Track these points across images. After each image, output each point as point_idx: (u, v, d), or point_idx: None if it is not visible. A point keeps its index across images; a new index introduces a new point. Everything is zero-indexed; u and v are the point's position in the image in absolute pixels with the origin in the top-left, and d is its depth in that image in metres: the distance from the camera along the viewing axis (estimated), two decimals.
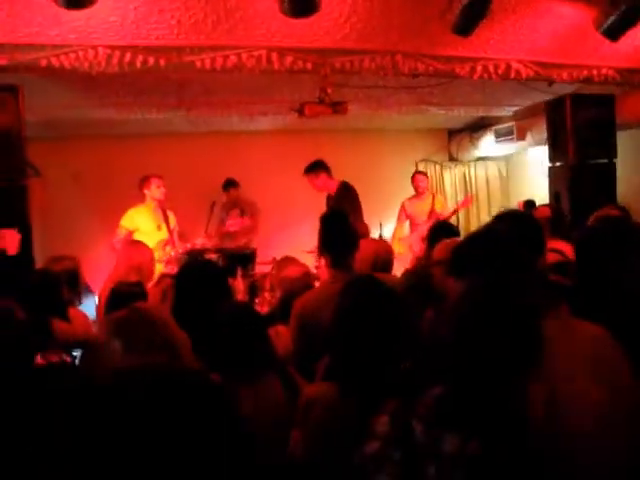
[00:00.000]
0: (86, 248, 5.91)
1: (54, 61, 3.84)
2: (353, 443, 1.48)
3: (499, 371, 1.42)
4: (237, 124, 6.96)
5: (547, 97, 5.71)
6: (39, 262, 4.36)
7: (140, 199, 5.59)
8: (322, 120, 5.22)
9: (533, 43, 4.59)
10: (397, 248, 6.21)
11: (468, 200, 7.29)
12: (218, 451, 0.90)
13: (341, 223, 3.05)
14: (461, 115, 7.54)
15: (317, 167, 5.75)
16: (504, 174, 9.04)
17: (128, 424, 0.87)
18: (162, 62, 3.94)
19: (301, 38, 4.02)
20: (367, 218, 5.91)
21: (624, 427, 1.46)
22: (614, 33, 4.22)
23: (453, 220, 6.77)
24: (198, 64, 4.03)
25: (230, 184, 6.96)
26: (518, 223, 2.23)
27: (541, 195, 6.59)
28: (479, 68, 4.68)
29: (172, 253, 5.37)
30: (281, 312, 3.22)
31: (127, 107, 5.75)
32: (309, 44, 4.11)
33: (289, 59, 4.10)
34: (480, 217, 8.25)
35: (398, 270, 3.76)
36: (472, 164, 8.87)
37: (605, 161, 5.84)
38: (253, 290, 5.85)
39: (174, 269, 5.34)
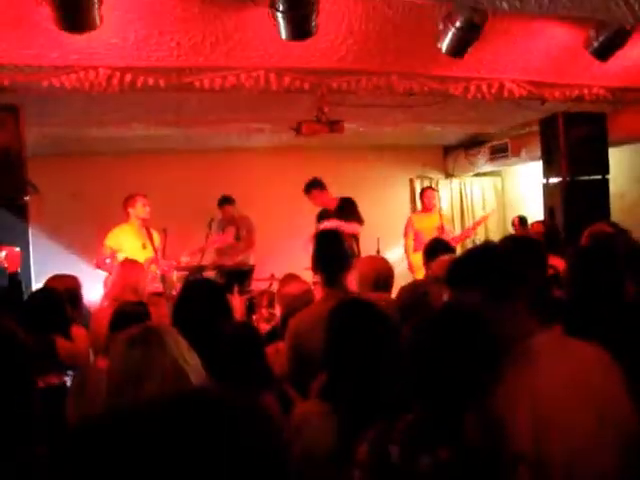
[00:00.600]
0: (83, 265, 5.93)
1: (55, 81, 3.91)
2: (338, 466, 1.52)
3: (455, 396, 1.44)
4: (234, 141, 7.03)
5: (540, 115, 5.81)
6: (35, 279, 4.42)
7: (124, 218, 5.57)
8: (319, 137, 5.29)
9: (526, 63, 4.68)
10: (415, 260, 6.29)
11: (484, 218, 7.34)
12: None
13: (335, 242, 3.05)
14: (456, 132, 7.64)
15: (321, 184, 5.86)
16: (499, 190, 9.12)
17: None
18: (162, 83, 4.01)
19: (298, 59, 4.09)
20: (363, 234, 5.97)
21: (615, 444, 1.49)
22: (603, 54, 4.30)
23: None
24: (197, 84, 4.10)
25: (225, 201, 6.92)
26: (519, 241, 2.27)
27: (536, 211, 6.67)
28: (473, 88, 4.76)
29: (158, 272, 5.38)
30: (282, 329, 3.25)
31: (125, 125, 5.81)
32: (306, 65, 4.18)
33: (287, 79, 4.18)
34: (476, 233, 8.30)
35: None
36: (467, 180, 8.96)
37: (598, 177, 5.92)
38: (250, 307, 5.89)
39: (159, 288, 5.38)
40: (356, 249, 5.50)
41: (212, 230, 6.20)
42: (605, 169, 5.91)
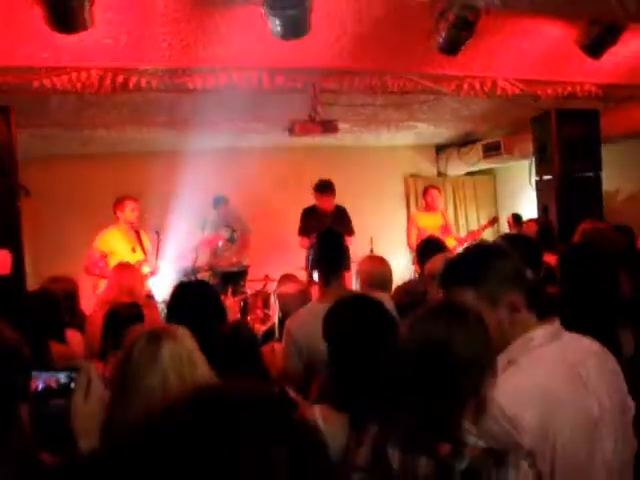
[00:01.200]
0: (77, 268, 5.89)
1: (46, 82, 3.87)
2: (342, 469, 1.51)
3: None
4: (227, 142, 7.00)
5: (533, 112, 5.82)
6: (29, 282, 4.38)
7: (113, 221, 5.52)
8: (312, 137, 5.28)
9: (518, 61, 4.69)
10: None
11: (491, 222, 7.23)
12: None
13: (336, 242, 3.08)
14: (449, 130, 7.64)
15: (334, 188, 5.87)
16: (492, 188, 9.14)
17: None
18: (154, 83, 3.99)
19: (291, 58, 4.08)
20: (357, 233, 5.97)
21: (613, 433, 1.51)
22: (596, 51, 4.32)
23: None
24: (190, 85, 4.08)
25: (219, 201, 6.96)
26: (514, 240, 2.28)
27: (530, 208, 6.68)
28: (466, 86, 4.77)
29: (148, 275, 5.37)
30: (280, 328, 3.25)
31: (118, 126, 5.78)
32: (299, 64, 4.17)
33: (280, 79, 4.17)
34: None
35: None
36: (460, 179, 8.97)
37: (591, 174, 5.94)
38: (245, 308, 5.87)
39: (150, 290, 5.37)
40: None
41: (205, 232, 6.18)
42: (598, 166, 5.93)
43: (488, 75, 4.80)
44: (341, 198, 6.05)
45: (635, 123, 5.83)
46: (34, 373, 1.61)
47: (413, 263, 6.53)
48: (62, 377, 1.62)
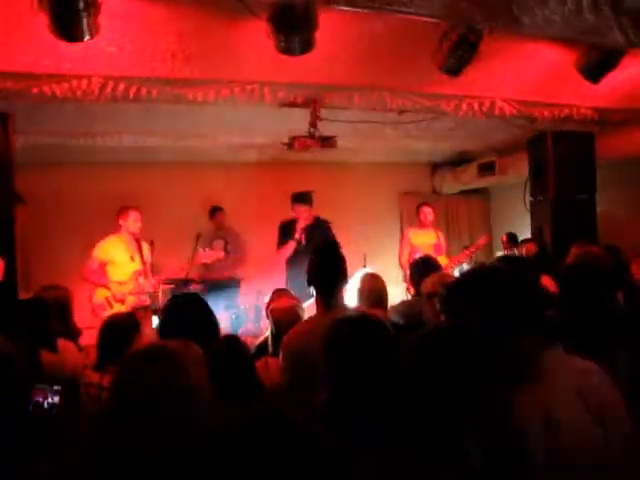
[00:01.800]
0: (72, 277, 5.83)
1: (46, 89, 3.85)
2: None
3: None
4: (225, 155, 7.00)
5: (528, 133, 5.87)
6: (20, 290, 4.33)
7: (114, 229, 5.50)
8: (308, 152, 5.28)
9: (517, 83, 4.74)
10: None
11: (485, 240, 7.12)
12: None
13: (334, 256, 3.01)
14: (444, 149, 7.69)
15: (312, 200, 5.80)
16: (487, 207, 9.19)
17: None
18: (155, 93, 3.98)
19: (293, 73, 4.09)
20: (351, 250, 5.93)
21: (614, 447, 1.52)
22: (595, 75, 4.37)
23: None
24: (190, 96, 4.07)
25: (216, 209, 7.09)
26: (513, 261, 2.29)
27: (524, 229, 6.70)
28: (464, 105, 4.81)
29: (146, 285, 5.32)
30: (274, 343, 3.22)
31: (115, 135, 5.76)
32: (301, 80, 4.18)
33: (281, 94, 4.18)
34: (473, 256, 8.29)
35: None
36: (454, 197, 9.00)
37: (585, 196, 5.99)
38: (237, 321, 5.83)
39: (147, 301, 5.33)
40: None
41: (199, 244, 6.13)
42: (593, 188, 5.98)
43: (487, 95, 4.84)
44: (336, 213, 6.03)
45: (631, 147, 5.89)
46: None
47: (404, 281, 6.53)
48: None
